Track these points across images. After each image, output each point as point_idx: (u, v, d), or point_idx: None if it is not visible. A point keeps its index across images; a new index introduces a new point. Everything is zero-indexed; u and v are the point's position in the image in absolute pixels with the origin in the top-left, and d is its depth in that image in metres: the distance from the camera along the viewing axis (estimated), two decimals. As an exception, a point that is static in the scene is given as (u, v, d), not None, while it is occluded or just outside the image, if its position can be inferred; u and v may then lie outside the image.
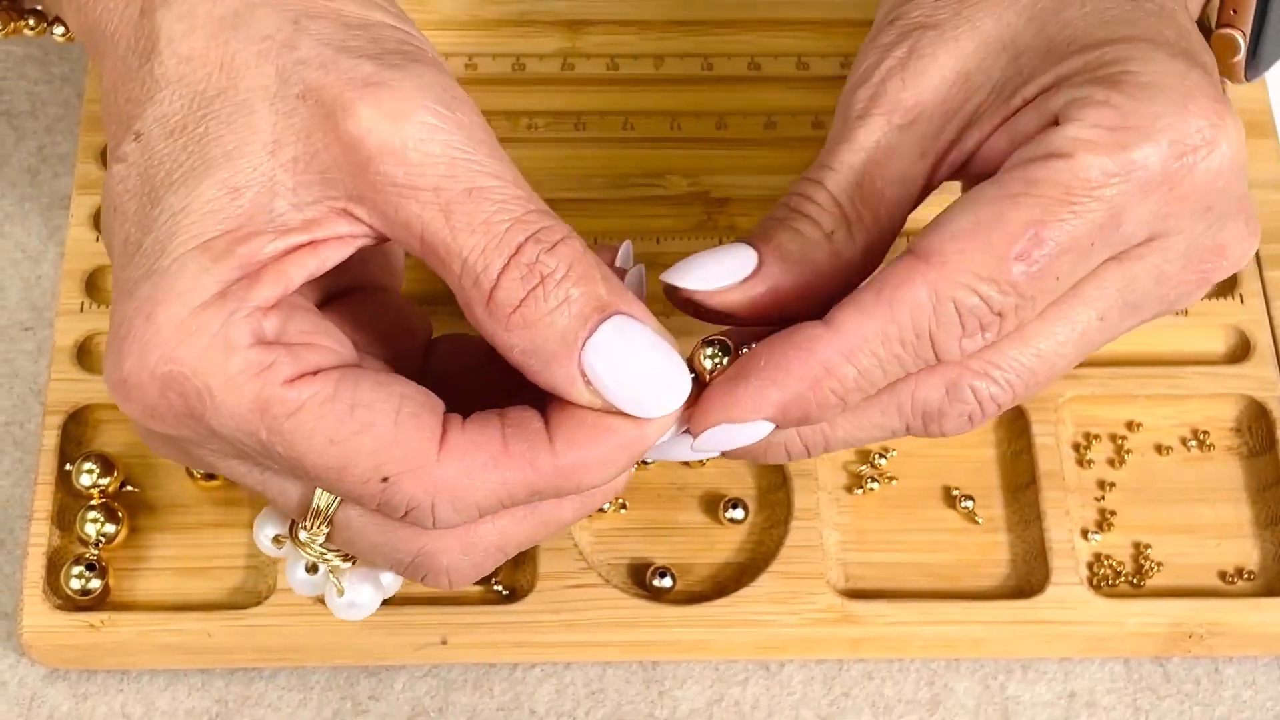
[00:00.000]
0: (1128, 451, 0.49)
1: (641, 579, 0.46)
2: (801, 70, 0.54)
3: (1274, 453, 0.48)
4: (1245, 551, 0.47)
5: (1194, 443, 0.49)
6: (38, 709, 0.45)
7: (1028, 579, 0.47)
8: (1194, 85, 0.34)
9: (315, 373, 0.34)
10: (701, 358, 0.37)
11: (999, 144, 0.37)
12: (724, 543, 0.47)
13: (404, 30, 0.36)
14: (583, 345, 0.34)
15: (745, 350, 0.37)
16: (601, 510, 0.47)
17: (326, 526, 0.37)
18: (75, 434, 0.48)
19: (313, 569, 0.39)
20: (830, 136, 0.39)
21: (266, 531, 0.39)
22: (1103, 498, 0.48)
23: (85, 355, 0.48)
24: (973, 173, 0.38)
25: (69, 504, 0.47)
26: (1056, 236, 0.34)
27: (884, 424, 0.38)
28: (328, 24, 0.35)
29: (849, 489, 0.48)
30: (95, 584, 0.45)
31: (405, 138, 0.34)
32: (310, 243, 0.35)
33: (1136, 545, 0.48)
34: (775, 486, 0.48)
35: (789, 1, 0.54)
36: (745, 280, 0.37)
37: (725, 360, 0.36)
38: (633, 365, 0.35)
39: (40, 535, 0.45)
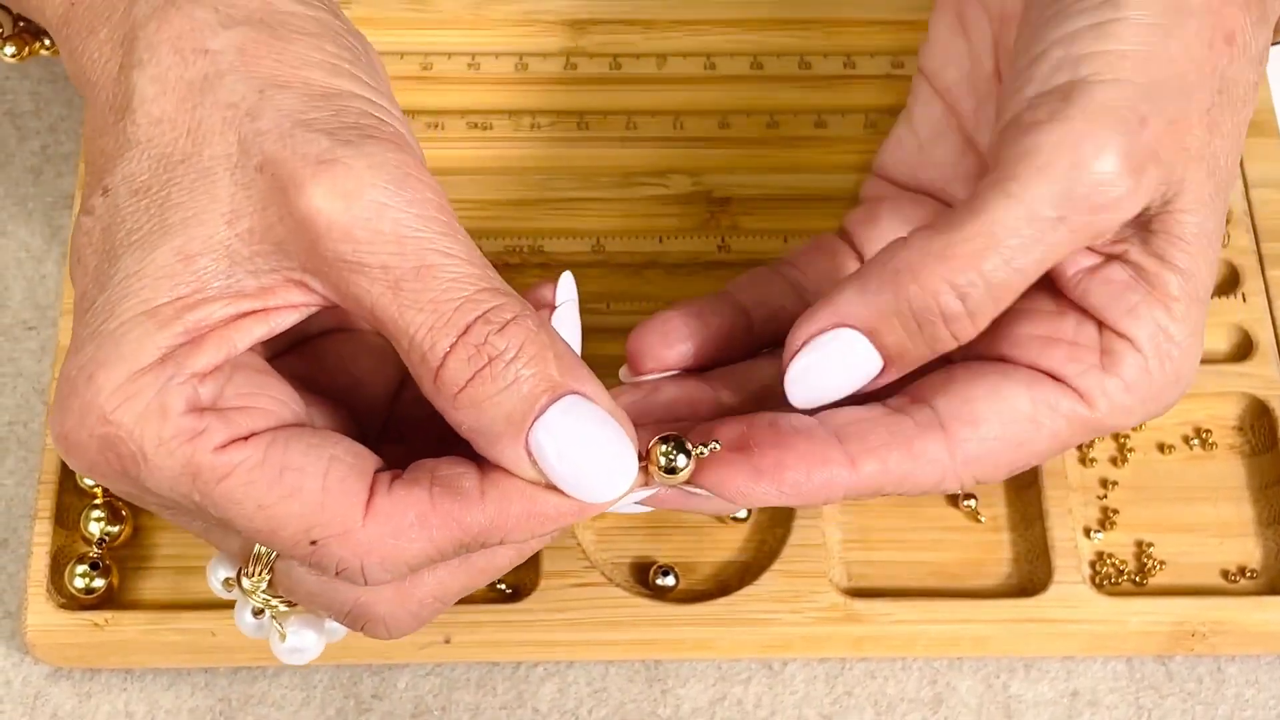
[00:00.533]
0: (1130, 450, 0.49)
1: (644, 578, 0.46)
2: (804, 70, 0.54)
3: (1276, 451, 0.48)
4: (1248, 550, 0.47)
5: (1196, 441, 0.49)
6: (41, 708, 0.45)
7: (1030, 578, 0.47)
8: (1191, 363, 0.39)
9: (247, 437, 0.35)
10: (659, 454, 0.36)
11: (1072, 267, 0.39)
12: (727, 541, 0.47)
13: (371, 100, 0.37)
14: (530, 426, 0.35)
15: (703, 450, 0.37)
16: None
17: (268, 574, 0.37)
18: (79, 433, 0.48)
19: (258, 613, 0.39)
20: (1035, 204, 0.36)
21: (218, 575, 0.39)
22: (1105, 496, 0.48)
23: (89, 354, 0.48)
24: None
25: (73, 503, 0.47)
26: (1041, 461, 0.39)
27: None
28: (292, 95, 0.35)
29: None
30: (99, 583, 0.45)
31: (354, 216, 0.34)
32: (261, 310, 0.35)
33: (1139, 544, 0.48)
34: None
35: (791, 1, 0.55)
36: (865, 386, 0.38)
37: (681, 460, 0.36)
38: (580, 448, 0.35)
39: (44, 534, 0.46)
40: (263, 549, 0.37)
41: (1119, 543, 0.48)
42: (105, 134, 0.36)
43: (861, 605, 0.46)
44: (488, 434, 0.35)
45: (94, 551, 0.46)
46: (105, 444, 0.35)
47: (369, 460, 0.36)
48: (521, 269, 0.50)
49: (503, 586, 0.46)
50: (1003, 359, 0.39)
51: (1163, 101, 0.36)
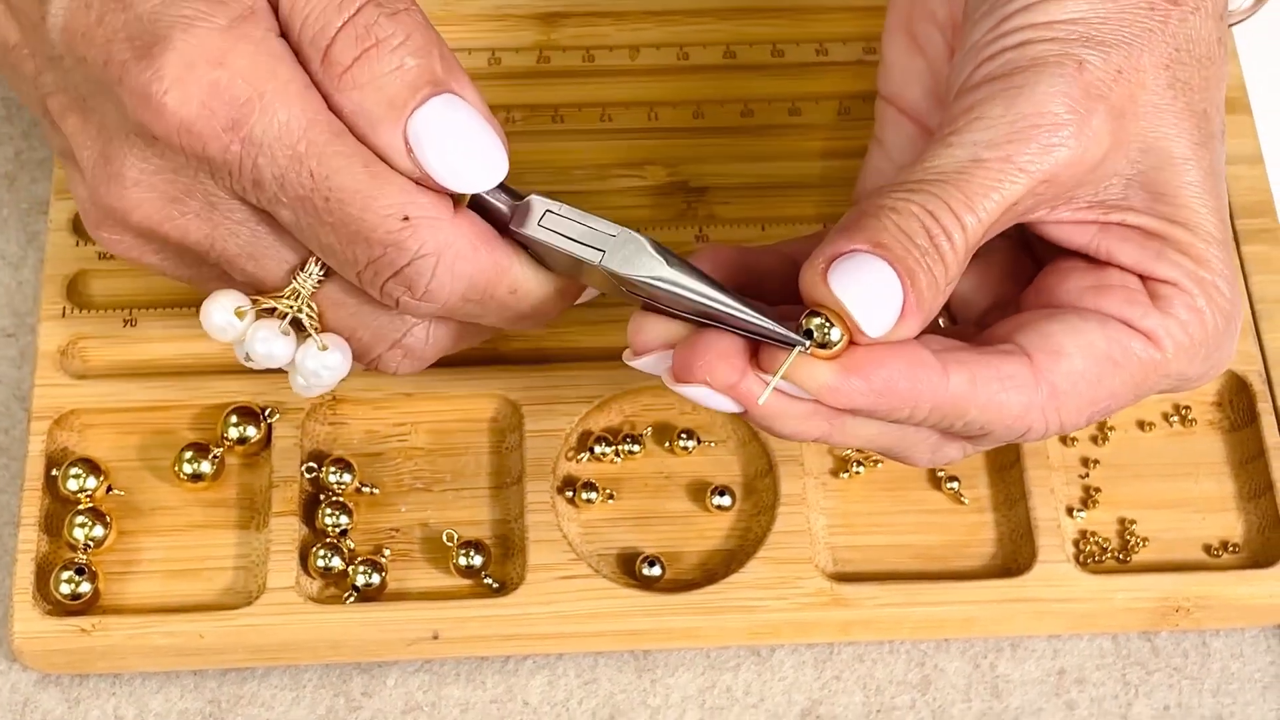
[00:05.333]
0: (1111, 428, 0.49)
1: (631, 568, 0.47)
2: (776, 57, 0.54)
3: (1256, 426, 0.49)
4: (1230, 525, 0.48)
5: (1176, 418, 0.50)
6: (30, 715, 0.46)
7: (1015, 558, 0.47)
8: (1238, 315, 0.40)
9: None
10: (814, 327, 0.36)
11: (1080, 237, 0.39)
12: (712, 530, 0.48)
13: None
14: (410, 114, 0.35)
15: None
16: (589, 501, 0.47)
17: (322, 272, 0.38)
18: (61, 439, 0.48)
19: (286, 331, 0.39)
20: (975, 147, 0.37)
21: (222, 305, 0.39)
22: (1087, 475, 0.49)
23: (69, 360, 0.49)
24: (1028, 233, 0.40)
25: (56, 509, 0.47)
26: (1118, 407, 0.39)
27: (872, 441, 0.39)
28: None
29: (835, 473, 0.49)
30: (85, 588, 0.45)
31: None
32: None
33: (1122, 521, 0.48)
34: (761, 473, 0.48)
35: (762, -12, 0.55)
36: (894, 327, 0.36)
37: (831, 336, 0.35)
38: (456, 142, 0.36)
39: (29, 541, 0.46)
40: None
41: (1102, 521, 0.48)
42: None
43: (848, 590, 0.46)
44: (369, 117, 0.36)
45: (79, 557, 0.46)
46: (214, 91, 0.35)
47: None
48: None
49: (490, 581, 0.46)
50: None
51: (1102, 50, 0.37)
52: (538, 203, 0.37)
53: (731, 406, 0.37)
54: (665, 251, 0.37)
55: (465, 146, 0.36)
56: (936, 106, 0.44)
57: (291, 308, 0.39)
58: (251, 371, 0.47)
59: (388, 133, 0.36)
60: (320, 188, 0.36)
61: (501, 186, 0.38)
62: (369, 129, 0.36)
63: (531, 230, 0.37)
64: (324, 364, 0.40)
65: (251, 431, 0.47)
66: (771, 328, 0.36)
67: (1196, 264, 0.39)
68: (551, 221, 0.37)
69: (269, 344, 0.39)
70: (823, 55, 0.54)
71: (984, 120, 0.37)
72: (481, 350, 0.49)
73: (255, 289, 0.40)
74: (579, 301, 0.41)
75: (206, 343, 0.48)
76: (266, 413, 0.48)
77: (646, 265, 0.36)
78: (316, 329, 0.39)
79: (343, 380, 0.41)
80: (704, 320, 0.37)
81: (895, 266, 0.36)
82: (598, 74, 0.54)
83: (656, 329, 0.38)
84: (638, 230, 0.37)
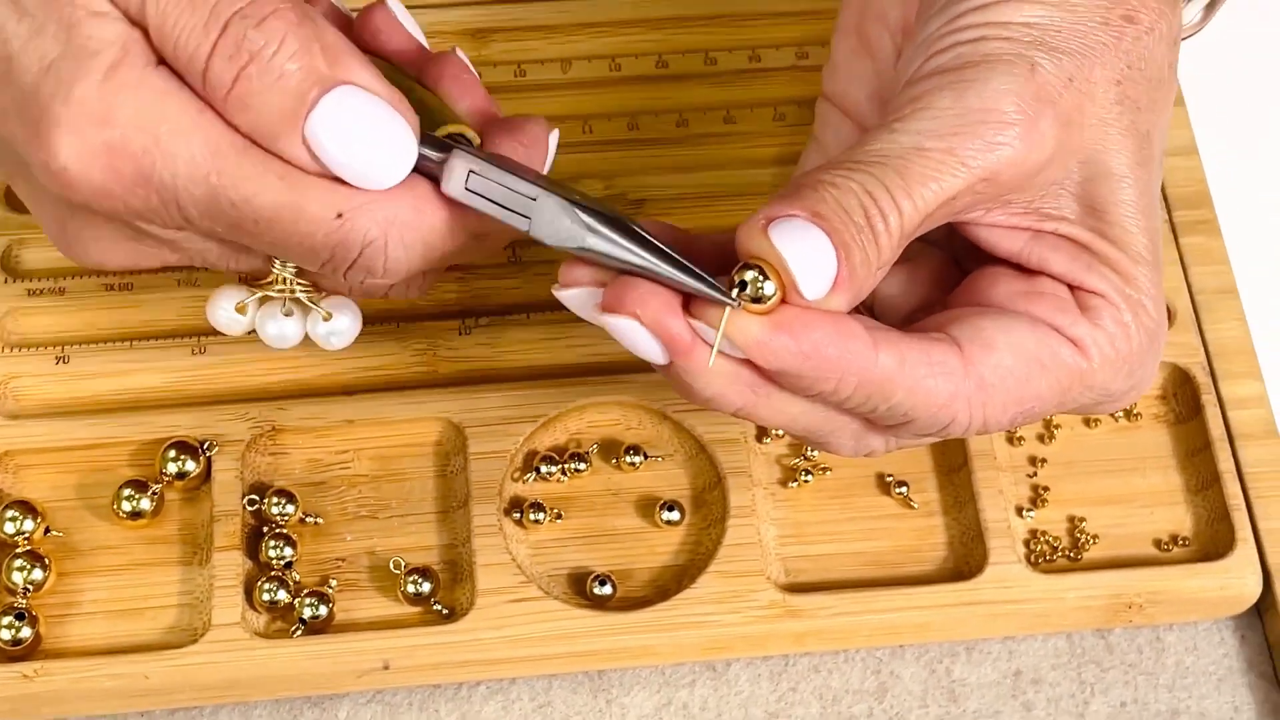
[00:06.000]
0: (1057, 426, 0.50)
1: (582, 588, 0.46)
2: (710, 66, 0.54)
3: (1200, 418, 0.49)
4: (1179, 518, 0.48)
5: (1121, 413, 0.50)
6: (-25, 765, 0.45)
7: (966, 560, 0.47)
8: (1162, 336, 0.40)
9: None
10: (747, 279, 0.35)
11: (1012, 244, 0.39)
12: (662, 546, 0.47)
13: None
14: (304, 121, 0.35)
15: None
16: (537, 522, 0.47)
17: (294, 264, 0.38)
18: (-5, 482, 0.47)
19: (288, 313, 0.41)
20: (919, 136, 0.36)
21: (223, 305, 0.41)
22: (1035, 474, 0.49)
23: (1, 401, 0.48)
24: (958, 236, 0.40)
25: (-7, 554, 0.46)
26: (1039, 412, 0.38)
27: (794, 421, 0.38)
28: None
29: (783, 483, 0.48)
30: (26, 633, 0.45)
31: None
32: None
33: (1071, 519, 0.48)
34: (710, 486, 0.48)
35: (694, -3, 0.55)
36: (826, 296, 0.35)
37: (764, 290, 0.35)
38: (359, 135, 0.35)
39: (-35, 588, 0.45)
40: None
41: (1051, 519, 0.48)
42: None
43: (800, 600, 0.46)
44: (266, 134, 0.35)
45: (19, 601, 0.45)
46: (111, 152, 0.35)
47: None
48: (438, 283, 0.50)
49: (439, 607, 0.46)
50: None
51: (1056, 57, 0.37)
52: (459, 162, 0.36)
53: (655, 350, 0.36)
54: (593, 211, 0.36)
55: (369, 138, 0.35)
56: (879, 110, 0.44)
57: (283, 292, 0.40)
58: (189, 404, 0.48)
59: (288, 145, 0.35)
60: (246, 213, 0.35)
61: (430, 140, 0.37)
62: (271, 145, 0.35)
63: (457, 194, 0.36)
64: (333, 330, 0.41)
65: (191, 466, 0.47)
66: (704, 285, 0.35)
67: (1124, 281, 0.39)
68: (476, 184, 0.36)
69: (278, 328, 0.41)
70: (756, 62, 0.54)
71: (931, 110, 0.37)
72: (422, 373, 0.49)
73: (251, 278, 0.40)
74: None
75: (141, 377, 0.48)
76: (205, 446, 0.47)
77: (572, 235, 0.36)
78: (316, 300, 0.40)
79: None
80: (636, 274, 0.36)
81: (832, 238, 0.35)
82: (530, 88, 0.54)
83: (590, 268, 0.37)
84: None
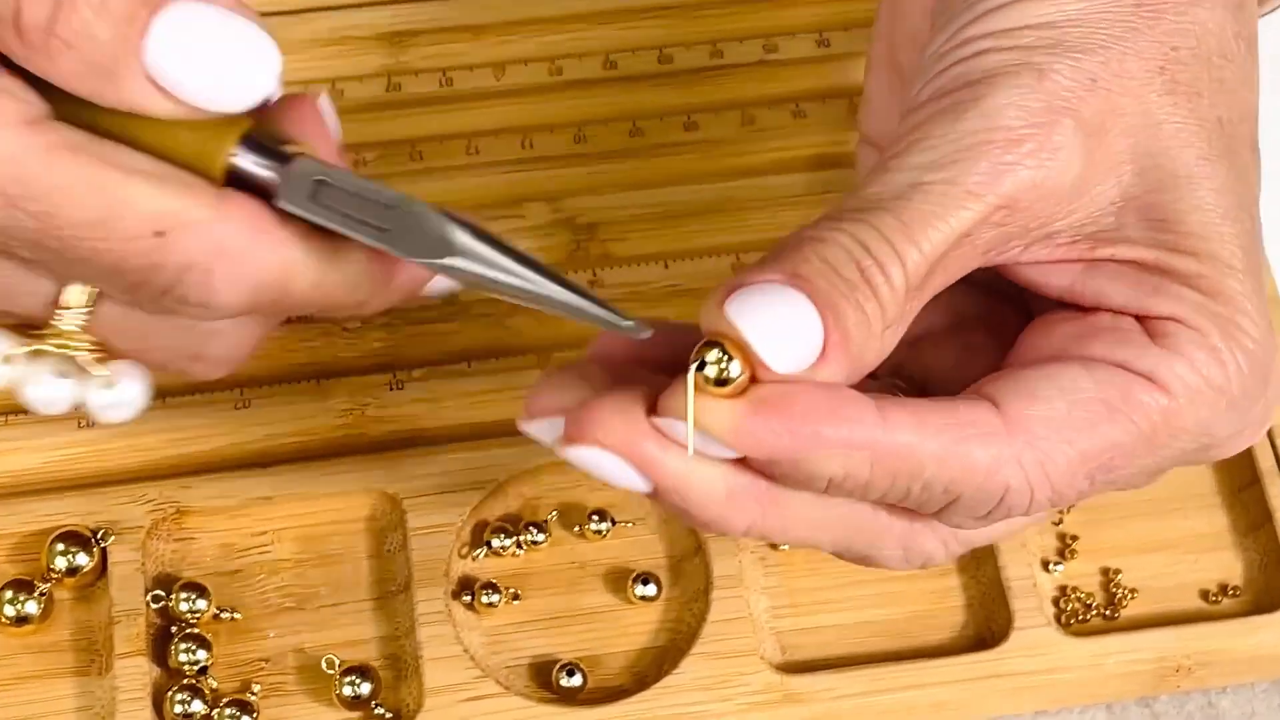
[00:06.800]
0: (1083, 465, 0.46)
1: (547, 680, 0.44)
2: (665, 64, 0.52)
3: (1248, 449, 0.44)
4: (1227, 564, 0.46)
5: (1156, 447, 0.47)
6: None
7: (988, 626, 0.45)
8: (1274, 359, 0.36)
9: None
10: (702, 361, 0.32)
11: (1061, 279, 0.36)
12: (638, 626, 0.45)
13: None
14: (143, 45, 0.32)
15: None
16: (491, 605, 0.44)
17: (90, 305, 0.34)
18: None
19: (63, 374, 0.36)
20: (916, 171, 0.34)
21: None
22: (1061, 521, 0.47)
23: None
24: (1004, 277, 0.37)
25: None
26: (1127, 469, 0.35)
27: (820, 532, 0.35)
28: None
29: (774, 546, 0.46)
30: None
31: None
32: None
33: (1105, 572, 0.46)
34: (689, 553, 0.45)
35: (647, -12, 0.53)
36: (814, 366, 0.32)
37: (730, 371, 0.32)
38: (205, 53, 0.32)
39: None
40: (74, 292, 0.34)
41: (1082, 573, 0.46)
42: None
43: (800, 682, 0.43)
44: (100, 79, 0.32)
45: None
46: None
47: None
48: (363, 331, 0.47)
49: (381, 711, 0.43)
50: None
51: (1072, 58, 0.34)
52: (300, 170, 0.33)
53: (635, 477, 0.33)
54: (462, 222, 0.33)
55: (225, 50, 0.32)
56: None
57: (58, 347, 0.35)
58: (77, 487, 0.45)
59: (130, 86, 0.32)
60: (49, 228, 0.32)
61: (265, 149, 0.33)
62: (111, 93, 0.32)
63: (300, 206, 0.33)
64: (116, 400, 0.36)
65: (83, 559, 0.44)
66: (605, 312, 0.32)
67: (1209, 297, 0.35)
68: (326, 196, 0.33)
69: (43, 390, 0.36)
70: (718, 58, 0.52)
71: (928, 141, 0.34)
72: (349, 437, 0.46)
73: (26, 327, 0.36)
74: (428, 290, 0.36)
75: (17, 457, 0.45)
76: (99, 535, 0.44)
77: (437, 246, 0.32)
78: (95, 361, 0.36)
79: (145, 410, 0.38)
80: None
81: (815, 300, 0.32)
82: (459, 99, 0.51)
83: (554, 394, 0.34)
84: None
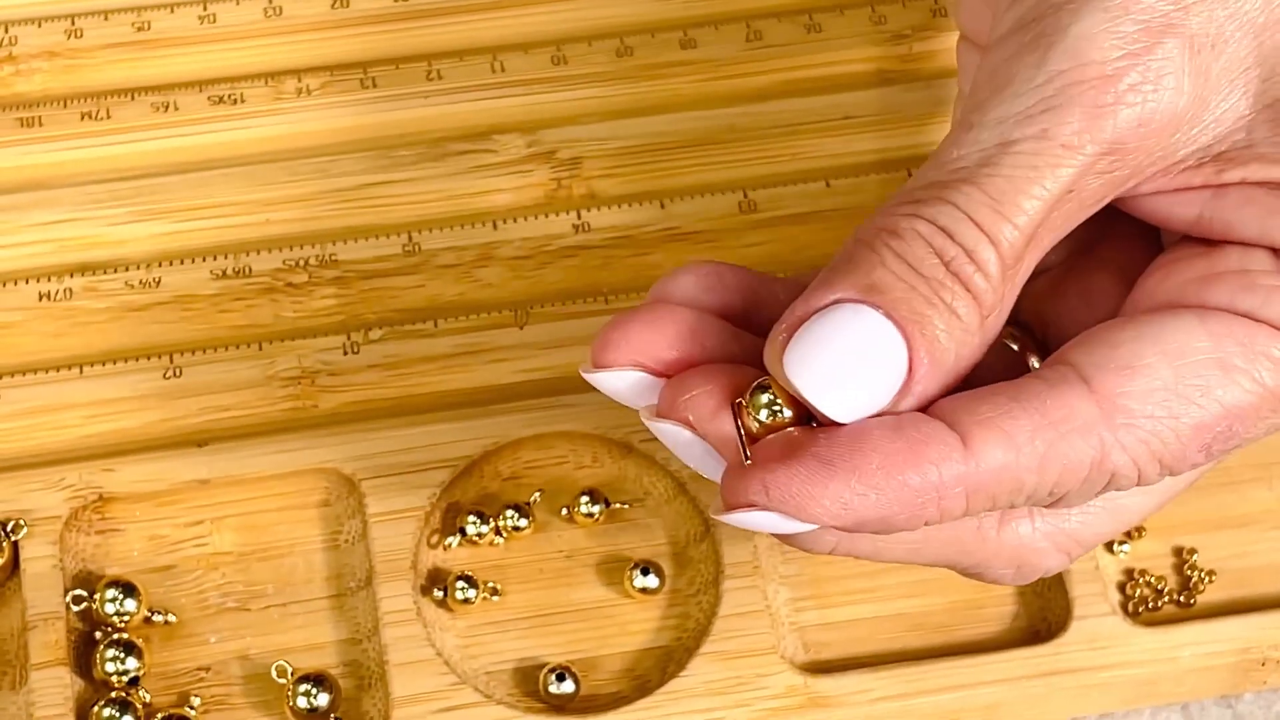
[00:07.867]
0: (1149, 427, 0.45)
1: (534, 686, 0.42)
2: None
3: (1340, 404, 0.43)
4: None
5: (1233, 405, 0.45)
6: None
7: (1043, 615, 0.43)
8: None
9: None
10: (754, 408, 0.32)
11: (1187, 210, 0.34)
12: (637, 622, 0.43)
13: None
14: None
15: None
16: (466, 601, 0.42)
17: None
18: None
19: None
20: (1003, 126, 0.33)
21: None
22: None
23: None
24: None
25: None
26: (1249, 433, 0.33)
27: (920, 555, 0.35)
28: None
29: None
30: None
31: None
32: None
33: (1178, 551, 0.44)
34: (696, 537, 0.43)
35: None
36: (894, 399, 0.32)
37: (785, 417, 0.32)
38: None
39: None
40: None
41: (1152, 553, 0.44)
42: None
43: (827, 684, 0.41)
44: None
45: None
46: None
47: None
48: (310, 287, 0.44)
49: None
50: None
51: None
52: None
53: (714, 468, 0.33)
54: None
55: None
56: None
57: None
58: None
59: None
60: None
61: None
62: None
63: None
64: None
65: None
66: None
67: None
68: None
69: None
70: None
71: (1011, 86, 0.33)
72: (296, 409, 0.44)
73: None
74: None
75: None
76: (8, 528, 0.42)
77: None
78: None
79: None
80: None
81: (893, 316, 0.31)
82: (417, 15, 0.49)
83: (639, 335, 0.34)
84: None
